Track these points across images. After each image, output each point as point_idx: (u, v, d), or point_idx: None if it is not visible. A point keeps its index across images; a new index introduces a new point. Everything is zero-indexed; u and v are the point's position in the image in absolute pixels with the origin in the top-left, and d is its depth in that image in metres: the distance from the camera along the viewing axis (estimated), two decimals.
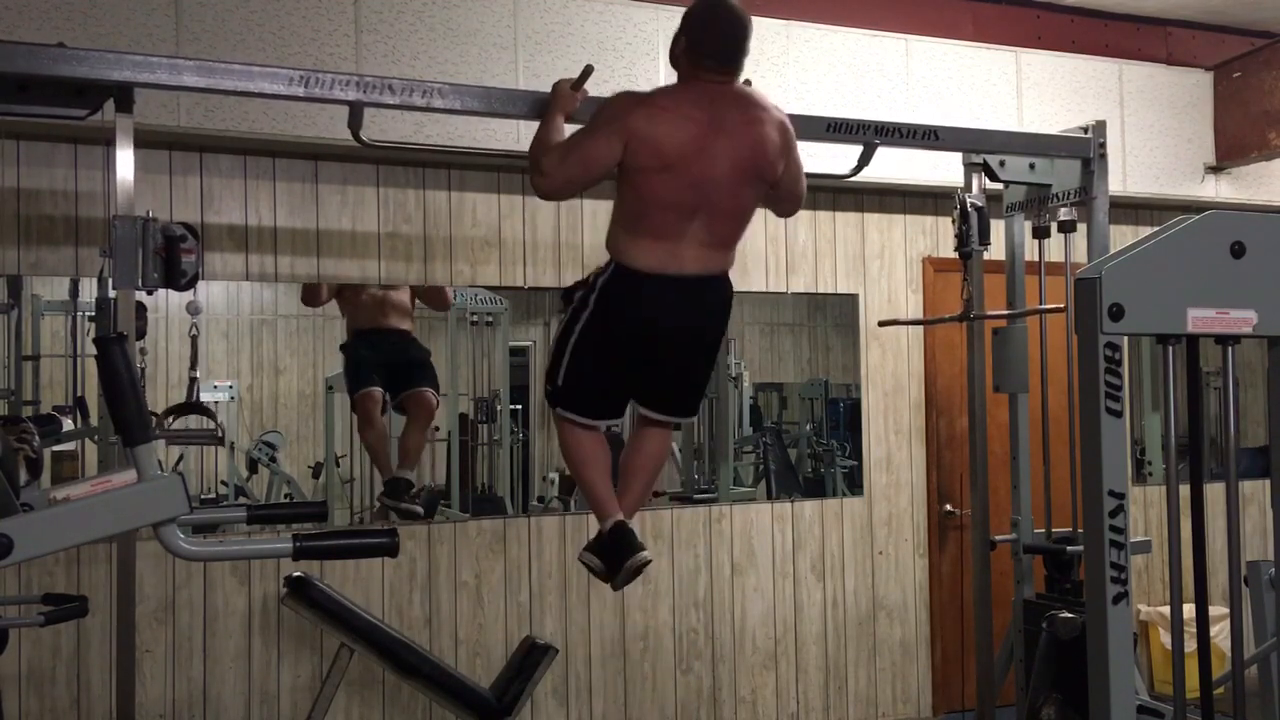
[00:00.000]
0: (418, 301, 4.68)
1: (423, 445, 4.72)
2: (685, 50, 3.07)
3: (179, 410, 4.24)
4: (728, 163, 2.99)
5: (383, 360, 4.64)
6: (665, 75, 4.52)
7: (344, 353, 4.61)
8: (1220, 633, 4.74)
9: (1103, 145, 4.05)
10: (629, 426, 3.45)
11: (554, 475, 4.92)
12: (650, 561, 3.19)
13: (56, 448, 4.01)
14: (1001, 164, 4.11)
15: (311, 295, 4.50)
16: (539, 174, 3.06)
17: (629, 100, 3.06)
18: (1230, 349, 2.06)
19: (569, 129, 3.15)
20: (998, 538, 4.24)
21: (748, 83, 3.42)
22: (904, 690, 5.34)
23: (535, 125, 3.23)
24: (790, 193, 3.25)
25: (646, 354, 3.12)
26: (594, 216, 4.70)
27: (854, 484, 5.32)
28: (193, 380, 4.26)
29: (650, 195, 2.99)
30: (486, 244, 4.64)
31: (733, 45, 3.03)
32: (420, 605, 4.47)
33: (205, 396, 4.32)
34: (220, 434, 4.37)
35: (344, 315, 4.59)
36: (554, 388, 3.17)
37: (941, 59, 5.17)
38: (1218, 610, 4.59)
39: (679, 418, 3.33)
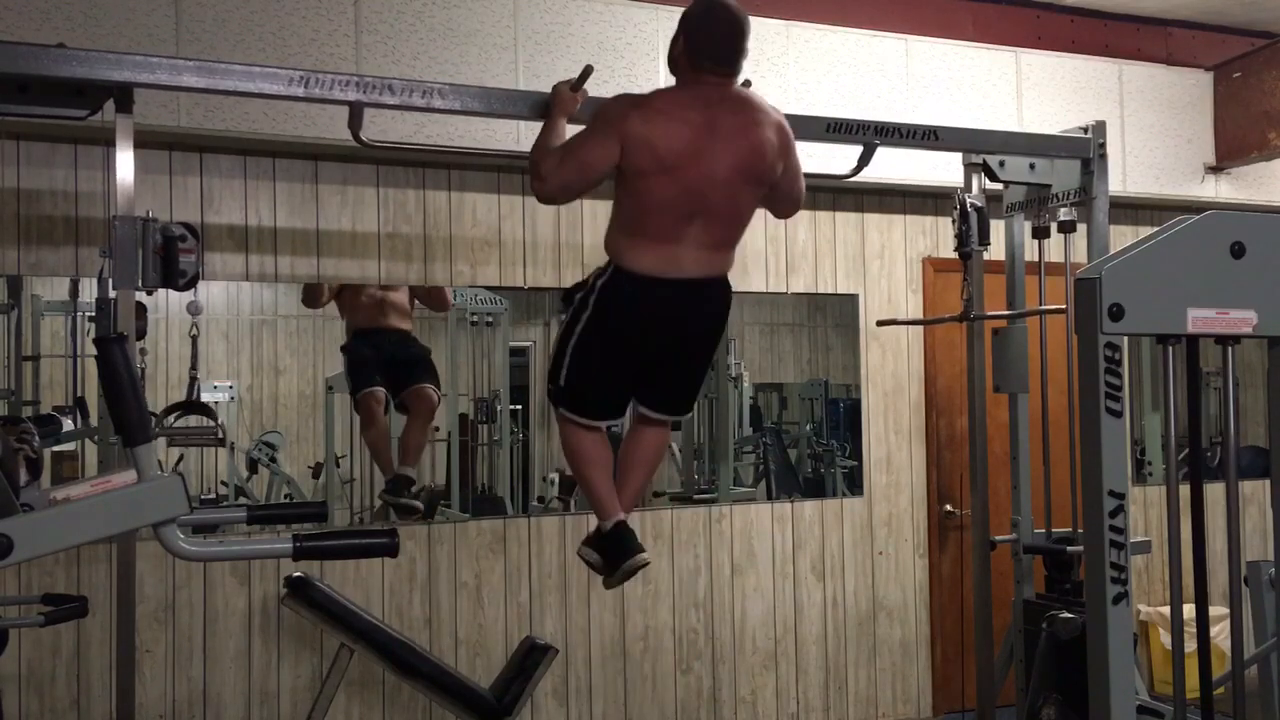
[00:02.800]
0: (417, 302, 4.69)
1: (424, 442, 4.72)
2: (684, 51, 3.07)
3: (179, 409, 4.24)
4: (725, 165, 2.99)
5: (383, 358, 4.64)
6: (665, 75, 4.51)
7: (344, 353, 4.61)
8: (1220, 633, 4.74)
9: (1102, 145, 4.05)
10: (626, 423, 3.45)
11: (554, 475, 4.92)
12: (649, 563, 3.21)
13: (56, 448, 4.01)
14: (1001, 164, 4.12)
15: (312, 296, 4.50)
16: (537, 178, 3.07)
17: (626, 103, 3.06)
18: (1230, 349, 2.06)
19: (572, 129, 3.15)
20: (998, 538, 4.24)
21: (747, 83, 3.43)
22: (904, 690, 5.34)
23: (535, 125, 3.23)
24: (788, 194, 3.25)
25: (645, 355, 3.14)
26: (594, 217, 4.70)
27: (854, 484, 5.32)
28: (193, 380, 4.27)
29: (648, 198, 2.99)
30: (486, 244, 4.64)
31: (731, 46, 3.03)
32: (420, 605, 4.47)
33: (205, 397, 4.32)
34: (221, 434, 4.37)
35: (343, 316, 4.59)
36: (556, 387, 3.19)
37: (941, 59, 5.17)
38: (1218, 610, 4.59)
39: (675, 416, 3.34)
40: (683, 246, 3.02)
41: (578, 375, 3.14)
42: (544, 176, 3.04)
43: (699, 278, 3.06)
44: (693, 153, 2.95)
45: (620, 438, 3.47)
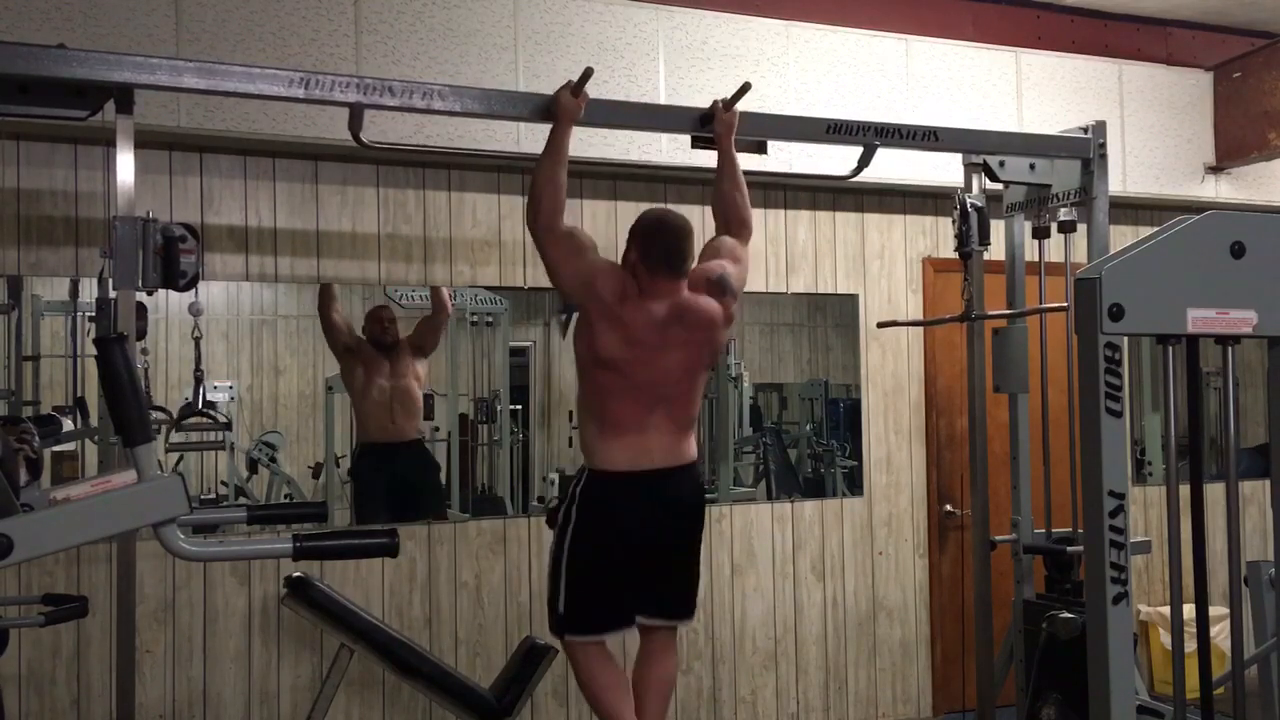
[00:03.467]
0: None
1: None
2: (638, 259, 3.27)
3: (188, 413, 4.24)
4: (678, 365, 3.24)
5: (394, 483, 4.68)
6: (665, 75, 4.53)
7: (353, 478, 4.63)
8: (1220, 633, 4.74)
9: (1102, 145, 4.05)
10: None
11: (554, 475, 4.92)
12: None
13: (56, 448, 4.00)
14: (1001, 164, 4.12)
15: (326, 301, 4.47)
16: (534, 212, 3.27)
17: (620, 274, 3.28)
18: (1230, 349, 2.06)
19: (577, 130, 3.18)
20: (998, 538, 4.23)
21: (748, 85, 3.47)
22: (904, 690, 5.34)
23: (535, 126, 3.24)
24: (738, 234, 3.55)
25: (634, 552, 3.25)
26: (593, 217, 4.70)
27: (854, 484, 5.32)
28: (198, 380, 4.26)
29: (611, 386, 3.21)
30: (486, 244, 4.64)
31: (678, 256, 3.27)
32: (420, 605, 4.47)
33: (205, 396, 4.32)
34: (221, 436, 4.37)
35: (349, 392, 4.58)
36: (558, 618, 3.31)
37: (941, 59, 5.17)
38: (1218, 610, 4.59)
39: (677, 620, 3.39)
40: (649, 435, 3.23)
41: (577, 592, 3.25)
42: (540, 226, 3.28)
43: (669, 467, 3.26)
44: (650, 357, 3.20)
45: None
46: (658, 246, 3.25)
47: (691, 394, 3.33)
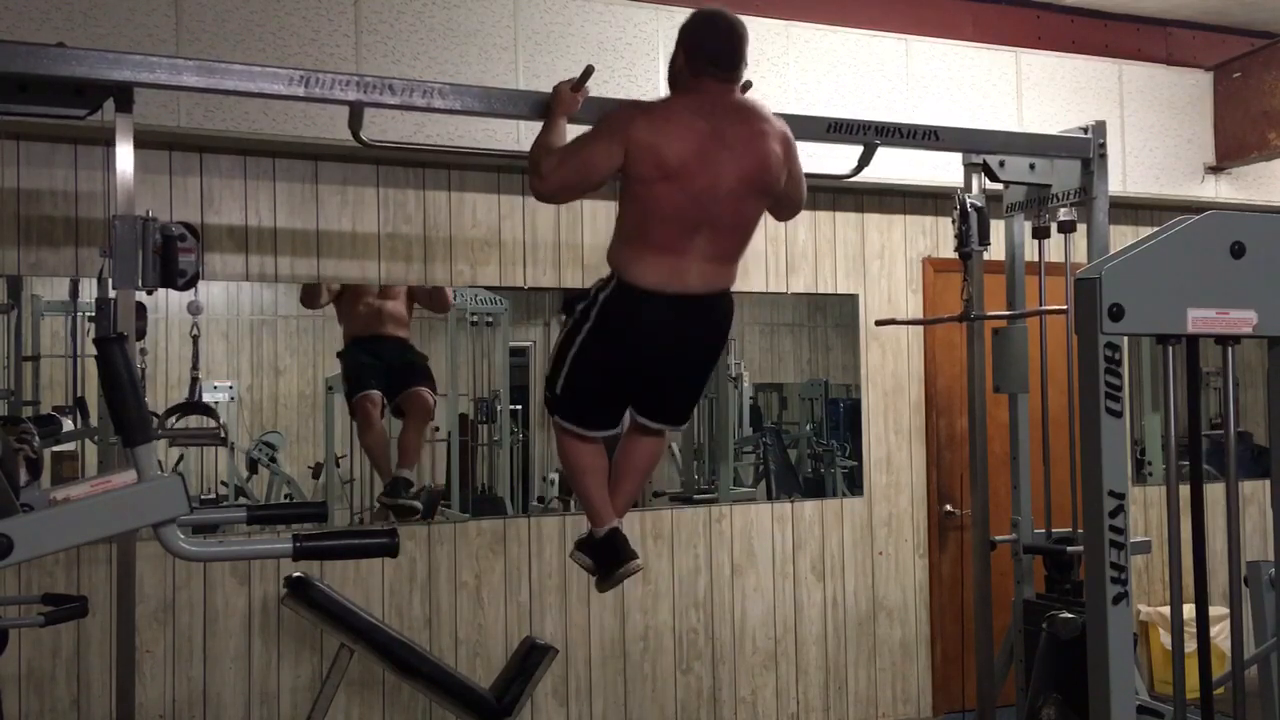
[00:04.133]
0: (417, 305, 4.69)
1: (421, 444, 4.73)
2: (685, 62, 3.06)
3: (181, 410, 4.24)
4: (731, 176, 2.97)
5: (380, 364, 4.65)
6: (665, 76, 4.52)
7: (341, 359, 4.61)
8: (1220, 633, 4.74)
9: (1102, 145, 4.04)
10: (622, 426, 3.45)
11: (554, 475, 4.92)
12: (642, 569, 3.24)
13: (56, 448, 4.01)
14: (1001, 164, 4.11)
15: (311, 296, 4.50)
16: (537, 176, 3.06)
17: (632, 108, 3.07)
18: (1230, 349, 2.05)
19: (573, 130, 3.15)
20: (998, 538, 4.23)
21: (748, 84, 3.43)
22: (904, 690, 5.34)
23: (536, 125, 3.23)
24: (791, 200, 3.26)
25: (646, 369, 3.13)
26: (594, 217, 4.70)
27: (854, 484, 5.32)
28: (194, 380, 4.26)
29: (653, 207, 2.97)
30: (486, 244, 4.64)
31: (732, 50, 3.02)
32: (420, 605, 4.47)
33: (205, 397, 4.32)
34: (223, 434, 4.37)
35: (341, 323, 4.59)
36: (553, 395, 3.18)
37: (941, 59, 5.17)
38: (1218, 610, 4.59)
39: (673, 425, 3.33)
40: (688, 259, 2.99)
41: (576, 386, 3.13)
42: (544, 175, 3.04)
43: (703, 293, 3.04)
44: (699, 162, 2.93)
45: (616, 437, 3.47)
46: (707, 45, 3.00)
47: (740, 220, 3.04)
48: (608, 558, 3.20)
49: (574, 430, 3.17)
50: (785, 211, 3.33)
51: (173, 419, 4.20)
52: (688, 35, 3.06)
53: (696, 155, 2.93)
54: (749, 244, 3.14)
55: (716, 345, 3.22)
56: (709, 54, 3.01)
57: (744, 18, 4.73)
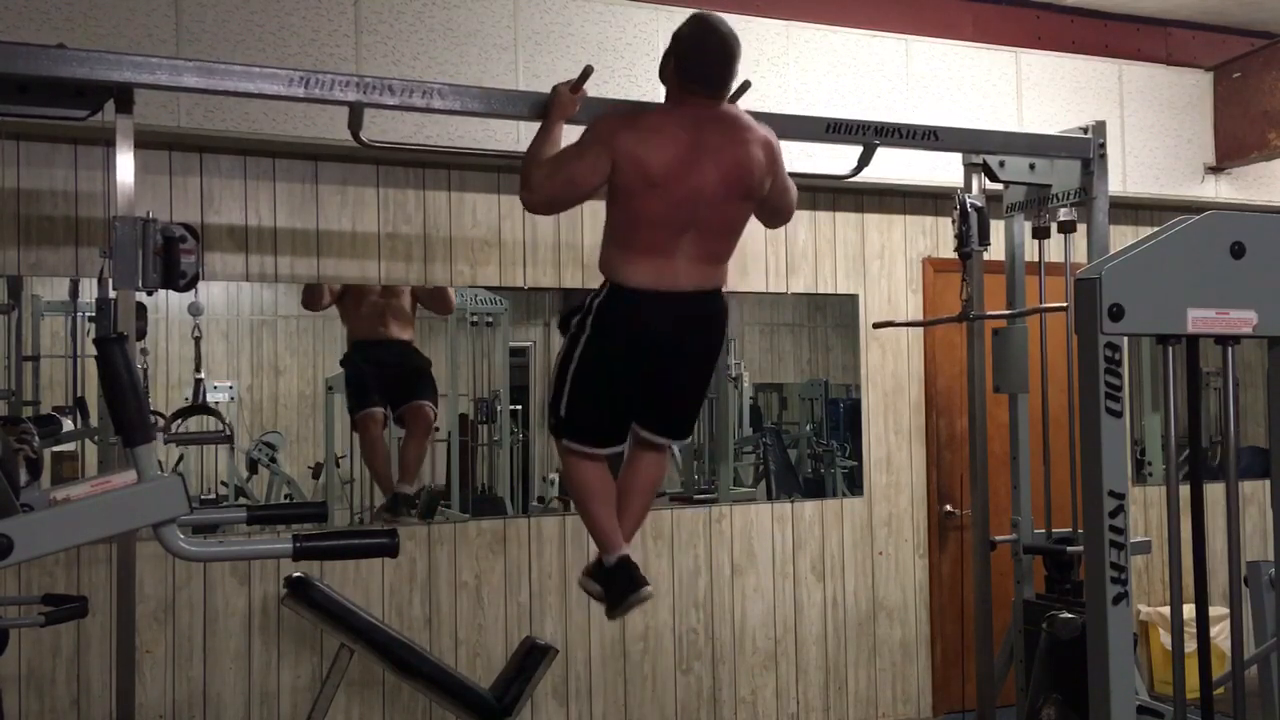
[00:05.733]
0: (419, 305, 4.68)
1: (422, 458, 4.72)
2: (674, 71, 3.11)
3: (186, 413, 4.24)
4: (715, 181, 3.03)
5: (383, 373, 4.64)
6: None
7: (344, 367, 4.60)
8: (1220, 633, 4.74)
9: (1102, 146, 4.05)
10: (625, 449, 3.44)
11: (554, 475, 4.92)
12: (651, 596, 3.23)
13: (56, 448, 4.01)
14: (1001, 164, 4.12)
15: (312, 298, 4.49)
16: (526, 189, 3.11)
17: (616, 120, 3.09)
18: (1230, 349, 2.06)
19: (571, 130, 3.16)
20: (998, 538, 4.23)
21: (747, 84, 3.44)
22: (904, 690, 5.34)
23: (535, 126, 3.23)
24: (777, 208, 3.30)
25: (646, 374, 3.14)
26: (594, 217, 4.69)
27: (854, 484, 5.32)
28: (198, 381, 4.26)
29: (640, 213, 3.03)
30: (486, 244, 4.64)
31: (720, 70, 3.08)
32: (420, 605, 4.47)
33: (206, 397, 4.32)
34: (229, 432, 4.36)
35: (344, 324, 4.58)
36: (558, 419, 3.19)
37: (941, 59, 5.17)
38: (1218, 610, 4.59)
39: (675, 439, 3.34)
40: (676, 260, 3.05)
41: (579, 402, 3.14)
42: (533, 188, 3.09)
43: (694, 290, 3.09)
44: (682, 169, 2.99)
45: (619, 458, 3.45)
46: (697, 63, 3.05)
47: (726, 225, 3.11)
48: (619, 586, 3.20)
49: (582, 450, 3.18)
50: (774, 219, 3.38)
51: (178, 422, 4.20)
52: (682, 46, 3.11)
53: (681, 164, 2.99)
54: (736, 245, 3.18)
55: (713, 346, 3.23)
56: (699, 73, 3.07)
57: (744, 18, 4.78)
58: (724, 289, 3.18)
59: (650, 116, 3.10)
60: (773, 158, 3.16)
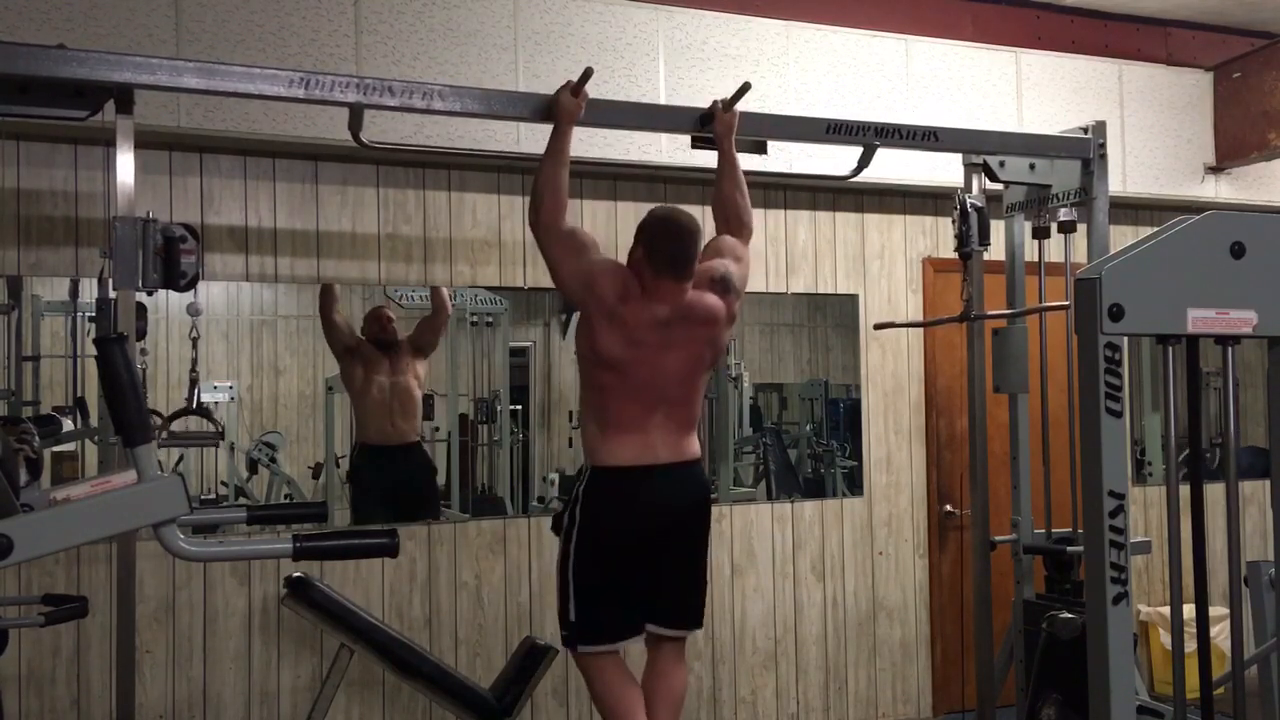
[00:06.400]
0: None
1: None
2: (643, 258, 3.25)
3: (181, 415, 4.24)
4: (680, 364, 3.23)
5: (389, 484, 4.67)
6: (665, 75, 4.53)
7: (350, 480, 4.61)
8: (1220, 633, 4.74)
9: (1102, 146, 4.05)
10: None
11: (554, 476, 4.92)
12: None
13: (56, 448, 4.01)
14: (1001, 164, 4.12)
15: (327, 303, 4.46)
16: (535, 212, 3.26)
17: (616, 268, 3.27)
18: (1230, 349, 2.06)
19: (579, 132, 3.18)
20: (998, 538, 4.23)
21: (747, 85, 3.46)
22: (904, 690, 5.34)
23: (535, 126, 3.24)
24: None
25: (642, 553, 3.21)
26: (593, 216, 4.70)
27: (854, 484, 5.32)
28: (193, 382, 4.26)
29: (613, 388, 3.20)
30: (486, 244, 4.64)
31: (684, 260, 3.25)
32: (420, 605, 4.47)
33: (205, 397, 4.32)
34: (221, 431, 4.36)
35: (352, 404, 4.58)
36: (570, 629, 3.23)
37: (941, 59, 5.17)
38: (1218, 610, 4.59)
39: (687, 629, 3.35)
40: (652, 434, 3.22)
41: (586, 599, 3.19)
42: (542, 226, 3.26)
43: (674, 462, 3.24)
44: (652, 357, 3.19)
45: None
46: (664, 249, 3.22)
47: (693, 394, 3.32)
48: None
49: (601, 650, 3.21)
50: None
51: (173, 426, 4.20)
52: (646, 236, 3.27)
53: (649, 354, 3.19)
54: (700, 408, 3.41)
55: (702, 517, 3.34)
56: (666, 259, 3.22)
57: (744, 18, 4.78)
58: (699, 460, 3.33)
59: (632, 301, 3.21)
60: (732, 310, 3.35)
